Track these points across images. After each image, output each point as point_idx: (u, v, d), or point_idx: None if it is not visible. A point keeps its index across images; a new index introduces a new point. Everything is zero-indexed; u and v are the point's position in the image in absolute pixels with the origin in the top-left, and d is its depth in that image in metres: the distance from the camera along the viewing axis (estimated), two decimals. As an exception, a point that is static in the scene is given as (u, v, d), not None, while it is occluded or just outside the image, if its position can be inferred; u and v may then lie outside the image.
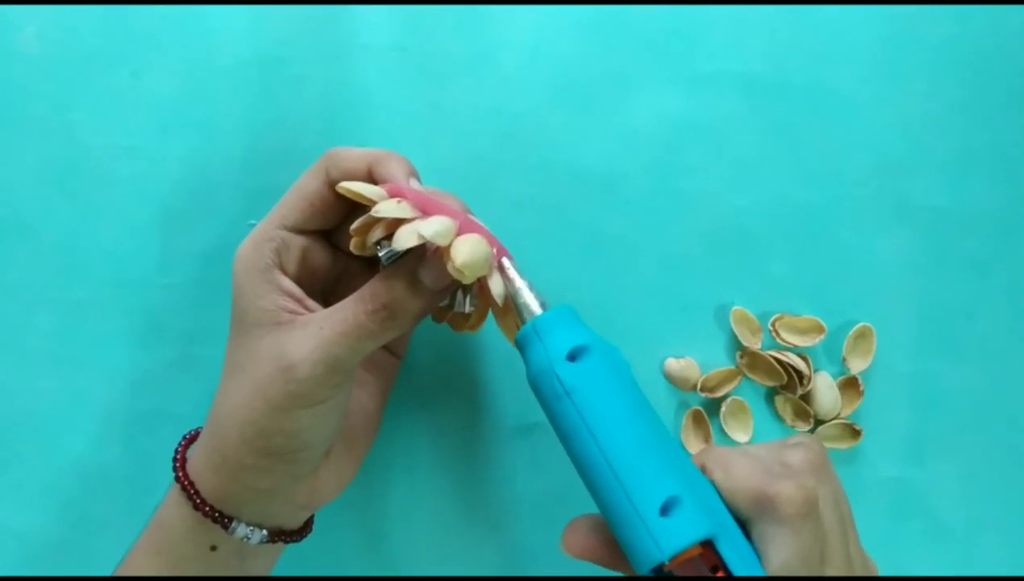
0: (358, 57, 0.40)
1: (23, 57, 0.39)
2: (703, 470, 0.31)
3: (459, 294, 0.33)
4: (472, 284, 0.32)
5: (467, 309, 0.33)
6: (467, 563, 0.40)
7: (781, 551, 0.29)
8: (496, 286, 0.30)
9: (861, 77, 0.41)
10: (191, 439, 0.35)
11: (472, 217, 0.32)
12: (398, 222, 0.29)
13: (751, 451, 0.32)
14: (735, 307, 0.40)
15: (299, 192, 0.33)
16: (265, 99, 0.39)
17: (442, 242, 0.29)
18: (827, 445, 0.41)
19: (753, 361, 0.41)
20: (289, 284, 0.32)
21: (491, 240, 0.31)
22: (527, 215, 0.40)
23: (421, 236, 0.28)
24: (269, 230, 0.33)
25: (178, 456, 0.34)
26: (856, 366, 0.41)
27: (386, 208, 0.29)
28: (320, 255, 0.34)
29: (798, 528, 0.29)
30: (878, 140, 0.41)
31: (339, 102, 0.40)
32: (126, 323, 0.39)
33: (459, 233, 0.29)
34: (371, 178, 0.32)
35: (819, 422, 0.41)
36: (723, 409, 0.41)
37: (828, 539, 0.30)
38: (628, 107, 0.41)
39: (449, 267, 0.29)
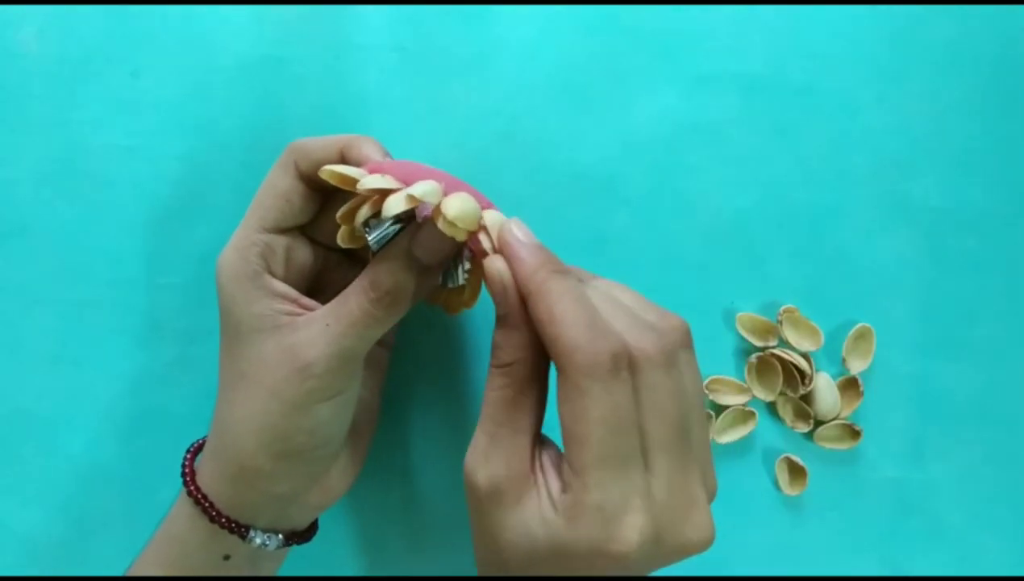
0: (358, 57, 0.40)
1: (23, 57, 0.39)
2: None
3: (452, 268, 0.33)
4: (463, 250, 0.32)
5: (461, 280, 0.33)
6: (467, 563, 0.40)
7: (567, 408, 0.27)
8: (488, 241, 0.30)
9: (861, 77, 0.41)
10: (196, 450, 0.34)
11: (456, 179, 0.32)
12: (384, 197, 0.29)
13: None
14: (740, 313, 0.41)
15: (272, 191, 0.33)
16: (265, 99, 0.39)
17: (432, 200, 0.29)
18: (827, 446, 0.41)
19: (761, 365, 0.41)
20: (282, 286, 0.32)
21: (478, 197, 0.31)
22: (527, 215, 0.40)
23: (411, 197, 0.28)
24: (250, 235, 0.32)
25: (187, 468, 0.33)
26: (856, 366, 0.41)
27: (371, 181, 0.29)
28: (303, 251, 0.34)
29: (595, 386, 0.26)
30: (878, 140, 0.41)
31: (339, 102, 0.40)
32: (125, 323, 0.39)
33: (445, 193, 0.30)
34: (344, 163, 0.32)
35: (819, 423, 0.41)
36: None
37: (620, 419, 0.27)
38: (628, 107, 0.40)
39: (440, 224, 0.29)
